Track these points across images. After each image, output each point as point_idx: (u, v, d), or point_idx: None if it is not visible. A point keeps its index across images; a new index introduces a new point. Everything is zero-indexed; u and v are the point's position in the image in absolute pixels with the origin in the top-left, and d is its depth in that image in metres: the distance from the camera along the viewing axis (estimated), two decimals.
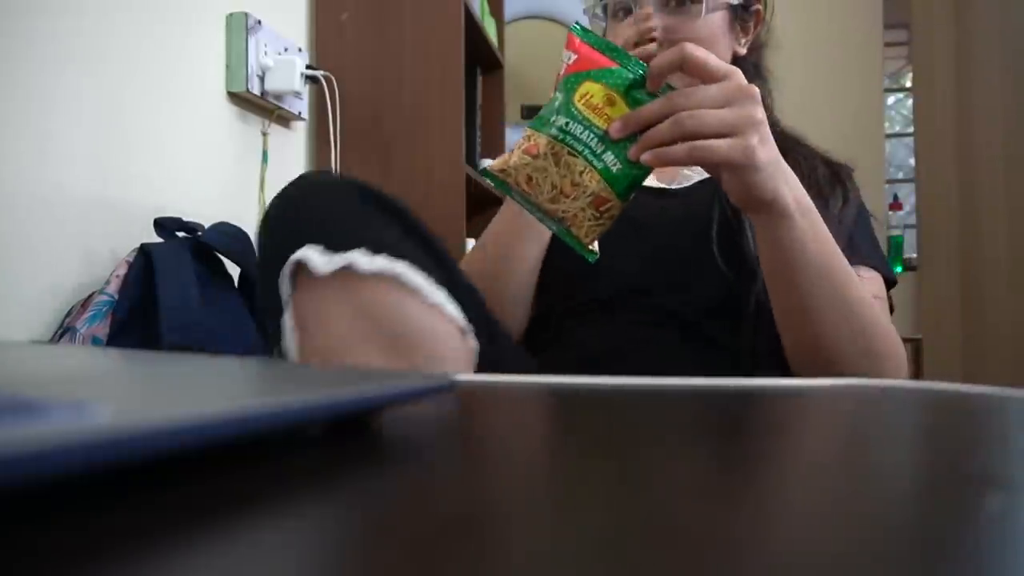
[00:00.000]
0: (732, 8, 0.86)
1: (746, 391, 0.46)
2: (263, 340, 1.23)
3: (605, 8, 0.88)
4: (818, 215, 0.65)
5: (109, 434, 0.15)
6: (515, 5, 2.73)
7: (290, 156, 1.64)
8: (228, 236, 1.22)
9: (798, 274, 0.65)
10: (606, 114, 0.58)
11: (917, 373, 1.64)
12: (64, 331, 0.98)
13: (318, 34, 1.73)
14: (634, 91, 0.59)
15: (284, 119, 1.61)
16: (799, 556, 0.15)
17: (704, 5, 0.82)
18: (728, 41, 0.87)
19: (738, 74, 0.60)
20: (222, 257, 1.19)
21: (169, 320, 1.00)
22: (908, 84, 2.91)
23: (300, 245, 0.58)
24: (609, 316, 0.79)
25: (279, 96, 1.52)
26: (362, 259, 0.57)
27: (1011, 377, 2.31)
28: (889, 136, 2.90)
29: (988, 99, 2.53)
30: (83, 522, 0.16)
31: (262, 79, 1.46)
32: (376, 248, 0.58)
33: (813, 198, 0.69)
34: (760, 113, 0.59)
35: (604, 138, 0.58)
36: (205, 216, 1.23)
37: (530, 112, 2.40)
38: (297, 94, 1.55)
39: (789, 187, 0.63)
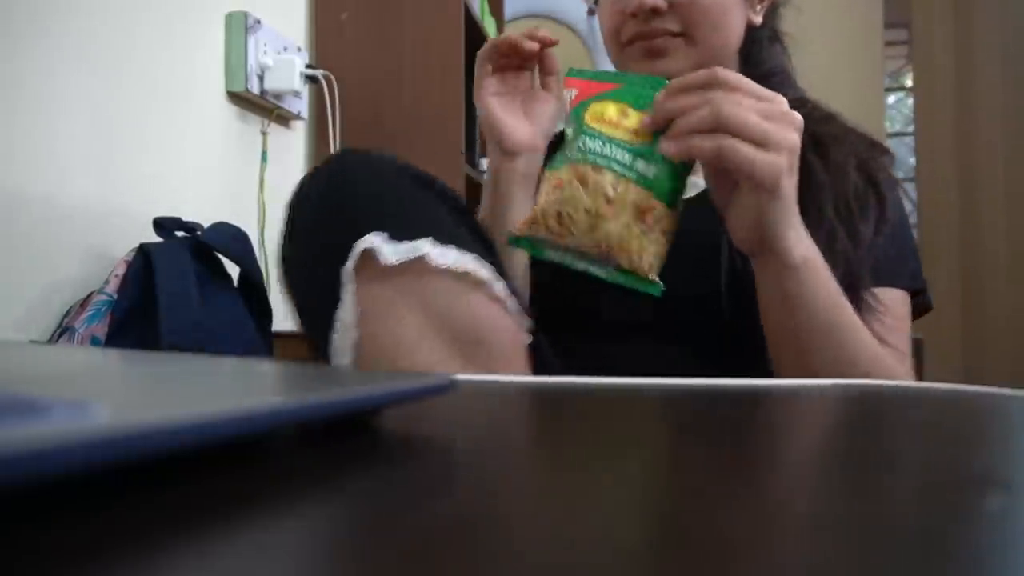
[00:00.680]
0: None
1: (746, 391, 0.46)
2: (263, 340, 1.23)
3: None
4: (825, 270, 0.60)
5: (109, 434, 0.15)
6: (515, 5, 2.73)
7: (290, 156, 1.64)
8: (227, 236, 1.22)
9: (795, 329, 0.60)
10: (623, 126, 0.54)
11: (917, 373, 1.64)
12: (63, 331, 0.99)
13: (318, 33, 1.73)
14: (647, 104, 0.54)
15: (284, 119, 1.61)
16: (799, 556, 0.15)
17: None
18: (742, 8, 0.79)
19: (780, 99, 0.55)
20: (221, 257, 1.19)
21: (168, 320, 1.00)
22: (908, 83, 2.91)
23: (357, 231, 0.54)
24: (603, 336, 0.74)
25: (279, 96, 1.52)
26: (434, 250, 0.54)
27: (1011, 377, 2.32)
28: (889, 135, 2.90)
29: (988, 99, 2.53)
30: (83, 522, 0.16)
31: (261, 79, 1.46)
32: (442, 237, 0.55)
33: (842, 221, 0.66)
34: (797, 142, 0.54)
35: (629, 147, 0.53)
36: (204, 216, 1.23)
37: None
38: (297, 94, 1.55)
39: (798, 236, 0.58)
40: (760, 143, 0.52)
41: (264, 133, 1.53)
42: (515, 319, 0.59)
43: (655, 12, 0.74)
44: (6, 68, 0.95)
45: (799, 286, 0.58)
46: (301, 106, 1.61)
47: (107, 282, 1.03)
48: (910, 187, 2.83)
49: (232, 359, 0.40)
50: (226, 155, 1.43)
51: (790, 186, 0.55)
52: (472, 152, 2.01)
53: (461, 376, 0.48)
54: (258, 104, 1.50)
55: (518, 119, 0.73)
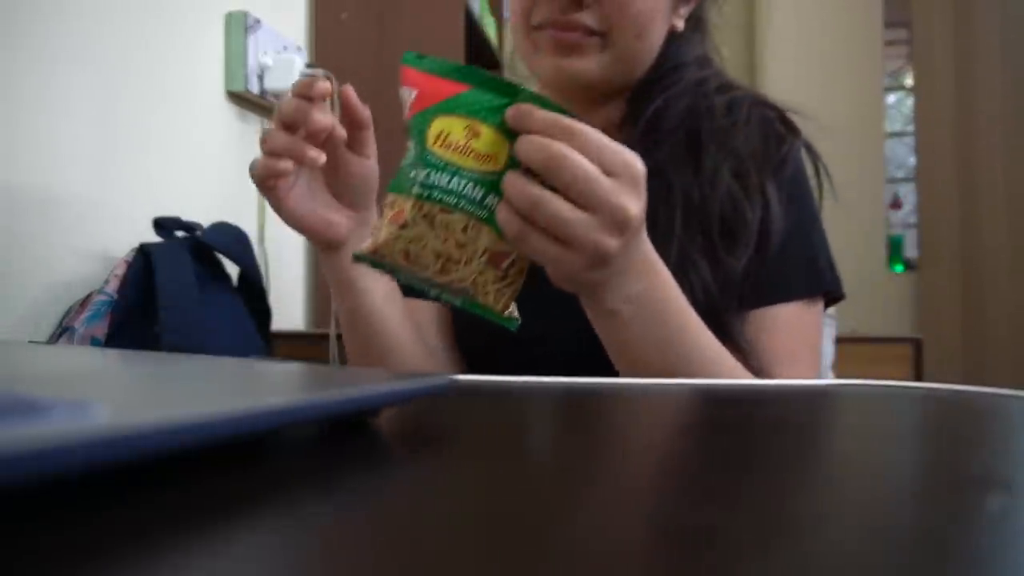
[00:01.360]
0: None
1: (746, 391, 0.46)
2: (262, 340, 1.23)
3: None
4: (664, 308, 0.56)
5: (109, 434, 0.15)
6: None
7: None
8: (227, 236, 1.22)
9: (631, 368, 0.57)
10: (473, 150, 0.46)
11: (917, 373, 1.64)
12: (63, 331, 0.98)
13: (317, 33, 1.73)
14: (499, 117, 0.46)
15: None
16: (799, 556, 0.15)
17: None
18: (667, 16, 0.73)
19: (632, 177, 0.48)
20: (221, 257, 1.19)
21: (168, 320, 1.00)
22: (908, 83, 2.91)
23: None
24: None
25: (278, 95, 1.52)
26: None
27: (1011, 377, 2.32)
28: (889, 135, 2.90)
29: (988, 99, 2.53)
30: (83, 522, 0.16)
31: (261, 78, 1.46)
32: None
33: (704, 250, 0.64)
34: (613, 245, 0.48)
35: (480, 179, 0.46)
36: (204, 216, 1.23)
37: None
38: None
39: (622, 291, 0.53)
40: (564, 241, 0.47)
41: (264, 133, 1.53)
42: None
43: (577, 3, 0.66)
44: (6, 68, 0.95)
45: (621, 330, 0.55)
46: None
47: (107, 282, 1.03)
48: (910, 187, 2.83)
49: (232, 359, 0.40)
50: (226, 155, 1.43)
51: (592, 276, 0.50)
52: None
53: (461, 376, 0.48)
54: (258, 104, 1.50)
55: (329, 209, 0.65)
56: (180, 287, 1.04)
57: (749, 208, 0.68)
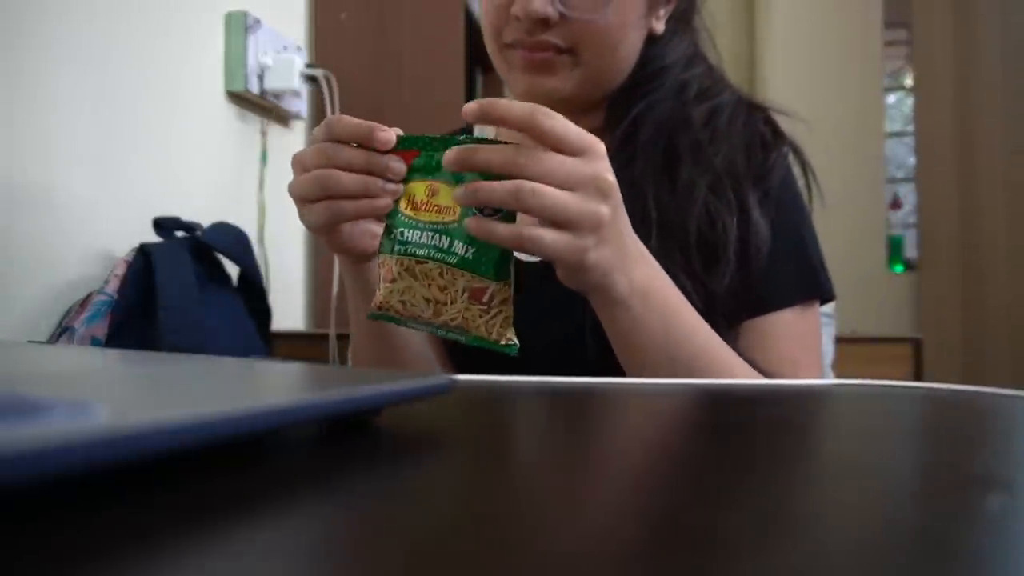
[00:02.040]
0: None
1: (745, 391, 0.46)
2: (262, 340, 1.23)
3: None
4: (670, 300, 0.58)
5: (109, 434, 0.15)
6: None
7: (289, 156, 1.63)
8: (227, 236, 1.22)
9: (640, 365, 0.58)
10: (435, 206, 0.52)
11: (917, 373, 1.64)
12: (63, 331, 0.98)
13: (317, 33, 1.73)
14: (447, 171, 0.51)
15: (283, 118, 1.61)
16: (799, 556, 0.15)
17: None
18: (642, 24, 0.71)
19: (598, 153, 0.51)
20: (221, 257, 1.19)
21: (168, 320, 1.00)
22: (908, 83, 2.91)
23: None
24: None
25: (278, 95, 1.52)
26: None
27: (1011, 377, 2.32)
28: (889, 135, 2.90)
29: (988, 99, 2.53)
30: (83, 522, 0.16)
31: (261, 78, 1.46)
32: None
33: (684, 267, 0.63)
34: (605, 211, 0.50)
35: (442, 229, 0.51)
36: (204, 216, 1.23)
37: None
38: (296, 93, 1.55)
39: (628, 277, 0.54)
40: (563, 227, 0.49)
41: (263, 133, 1.53)
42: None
43: (544, 23, 0.66)
44: (5, 67, 0.95)
45: (632, 321, 0.56)
46: (301, 106, 1.61)
47: (107, 282, 1.03)
48: (910, 187, 2.83)
49: (232, 359, 0.40)
50: (225, 155, 1.43)
51: (600, 253, 0.52)
52: None
53: (461, 376, 0.48)
54: (258, 104, 1.50)
55: (364, 236, 0.60)
56: (180, 287, 1.04)
57: (728, 224, 0.68)
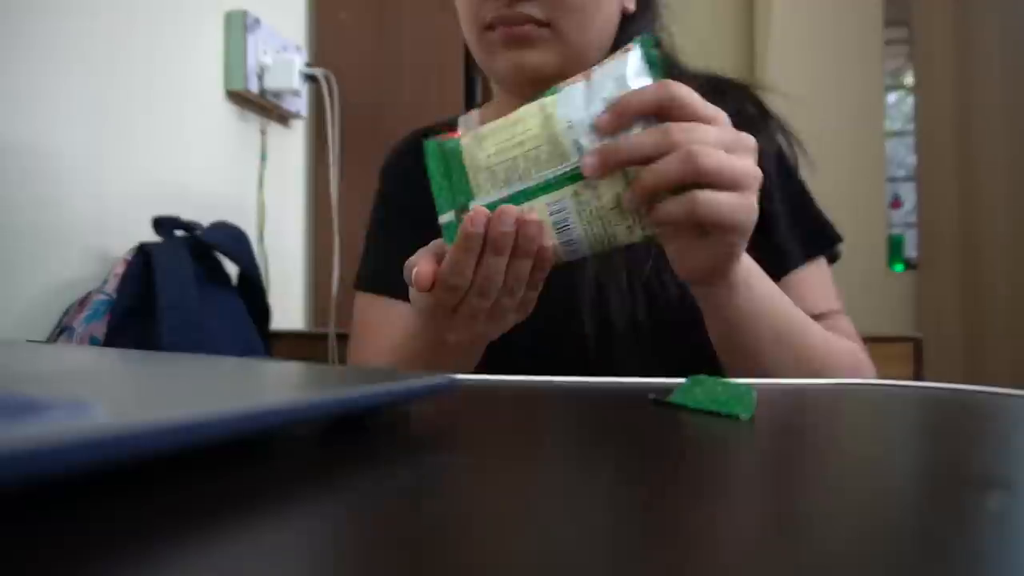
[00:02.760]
0: None
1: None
2: (261, 340, 1.23)
3: None
4: (764, 277, 0.58)
5: (109, 434, 0.15)
6: None
7: (289, 155, 1.64)
8: (227, 235, 1.22)
9: (744, 344, 0.58)
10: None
11: (917, 373, 1.64)
12: (62, 330, 0.98)
13: (317, 33, 1.73)
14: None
15: (283, 118, 1.61)
16: (799, 556, 0.15)
17: None
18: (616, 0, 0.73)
19: (725, 117, 0.50)
20: (221, 257, 1.19)
21: (168, 319, 1.00)
22: (908, 82, 2.91)
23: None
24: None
25: (278, 95, 1.52)
26: None
27: (1011, 377, 2.32)
28: (889, 135, 2.90)
29: (988, 98, 2.53)
30: (83, 522, 0.16)
31: (261, 78, 1.46)
32: None
33: None
34: (759, 170, 0.49)
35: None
36: (204, 215, 1.23)
37: None
38: (296, 93, 1.55)
39: (742, 263, 0.54)
40: (733, 187, 0.47)
41: (263, 132, 1.53)
42: None
43: None
44: (4, 67, 0.95)
45: (748, 302, 0.56)
46: (300, 105, 1.61)
47: (106, 281, 1.03)
48: (910, 186, 2.83)
49: (232, 359, 0.40)
50: (225, 154, 1.43)
51: (752, 223, 0.51)
52: None
53: (461, 376, 0.48)
54: (257, 103, 1.50)
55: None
56: (180, 287, 1.04)
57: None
